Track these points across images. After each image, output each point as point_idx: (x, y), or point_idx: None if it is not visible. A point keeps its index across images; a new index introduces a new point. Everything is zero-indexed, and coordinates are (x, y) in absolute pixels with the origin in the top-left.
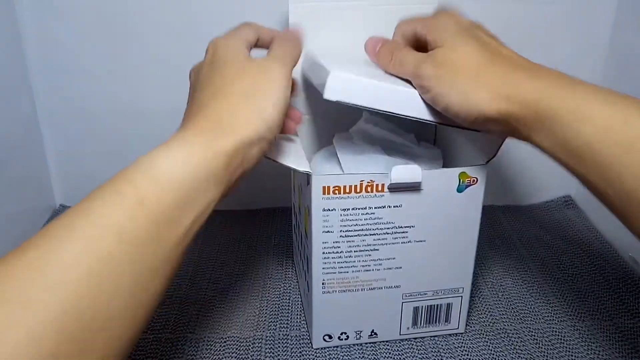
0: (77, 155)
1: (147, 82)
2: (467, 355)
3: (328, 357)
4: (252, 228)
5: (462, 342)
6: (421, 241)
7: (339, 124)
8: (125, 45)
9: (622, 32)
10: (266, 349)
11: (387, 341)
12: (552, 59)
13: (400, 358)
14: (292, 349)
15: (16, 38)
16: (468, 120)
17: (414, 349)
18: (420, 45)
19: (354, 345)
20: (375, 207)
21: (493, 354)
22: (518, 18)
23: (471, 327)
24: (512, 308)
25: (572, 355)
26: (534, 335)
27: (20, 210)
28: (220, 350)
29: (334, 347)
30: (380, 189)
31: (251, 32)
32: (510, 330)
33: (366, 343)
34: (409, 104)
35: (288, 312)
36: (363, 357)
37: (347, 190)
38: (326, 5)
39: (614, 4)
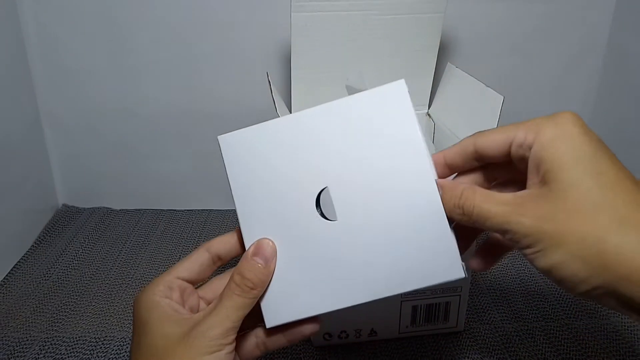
0: (80, 155)
1: (149, 83)
2: (466, 353)
3: (328, 355)
4: None
5: (461, 341)
6: None
7: None
8: (126, 46)
9: (620, 32)
10: None
11: (386, 340)
12: (552, 59)
13: (399, 356)
14: (292, 347)
15: (18, 39)
16: (579, 291)
17: (413, 347)
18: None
19: (353, 343)
20: None
21: (491, 352)
22: (518, 18)
23: (470, 325)
24: (510, 307)
25: (570, 354)
26: (532, 334)
27: (23, 210)
28: None
29: (333, 345)
30: None
31: (184, 271)
32: (509, 328)
33: (366, 342)
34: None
35: None
36: (363, 355)
37: None
38: (329, 15)
39: (613, 4)
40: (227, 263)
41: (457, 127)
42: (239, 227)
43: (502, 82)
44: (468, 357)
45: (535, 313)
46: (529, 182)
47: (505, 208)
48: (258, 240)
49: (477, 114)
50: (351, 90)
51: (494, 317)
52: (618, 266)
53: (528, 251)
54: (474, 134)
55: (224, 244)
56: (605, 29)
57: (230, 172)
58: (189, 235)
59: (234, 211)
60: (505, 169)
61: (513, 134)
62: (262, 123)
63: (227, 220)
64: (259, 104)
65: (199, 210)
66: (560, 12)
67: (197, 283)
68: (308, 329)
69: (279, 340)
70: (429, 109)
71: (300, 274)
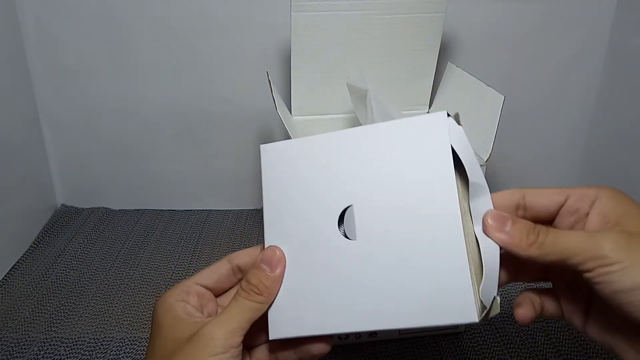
0: (79, 155)
1: (148, 83)
2: (467, 354)
3: (328, 356)
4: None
5: (462, 342)
6: None
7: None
8: (126, 46)
9: (620, 32)
10: None
11: (386, 340)
12: (552, 59)
13: (400, 357)
14: None
15: (17, 39)
16: None
17: (413, 348)
18: None
19: (354, 344)
20: None
21: (492, 353)
22: (518, 18)
23: (470, 326)
24: (511, 307)
25: (569, 354)
26: (532, 334)
27: (22, 210)
28: None
29: (334, 346)
30: None
31: (204, 278)
32: (509, 329)
33: (366, 342)
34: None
35: None
36: (363, 356)
37: None
38: (330, 15)
39: (613, 4)
40: None
41: None
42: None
43: (503, 82)
44: (468, 358)
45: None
46: (593, 227)
47: (582, 233)
48: (266, 248)
49: (478, 113)
50: (352, 90)
51: (494, 318)
52: None
53: (611, 269)
54: (521, 188)
55: (245, 256)
56: (605, 29)
57: (265, 181)
58: (189, 235)
59: (234, 211)
60: (547, 198)
61: (570, 191)
62: (303, 137)
63: (227, 221)
64: (258, 103)
65: (198, 210)
66: (560, 12)
67: (216, 291)
68: (317, 348)
69: (290, 355)
70: (429, 108)
71: (312, 291)
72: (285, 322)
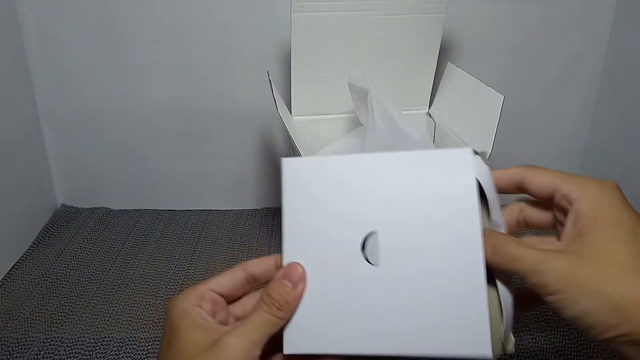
0: (79, 155)
1: (148, 83)
2: None
3: None
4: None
5: None
6: None
7: None
8: (126, 46)
9: (620, 32)
10: None
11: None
12: (552, 59)
13: (400, 357)
14: None
15: (17, 39)
16: (605, 337)
17: None
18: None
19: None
20: None
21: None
22: (518, 18)
23: None
24: None
25: (569, 354)
26: (532, 334)
27: (22, 210)
28: None
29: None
30: None
31: (218, 285)
32: None
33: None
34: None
35: None
36: (363, 356)
37: None
38: (330, 15)
39: (613, 4)
40: (261, 285)
41: (457, 126)
42: (281, 253)
43: (503, 82)
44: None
45: (536, 313)
46: (565, 233)
47: (536, 253)
48: (288, 264)
49: (477, 113)
50: (353, 89)
51: None
52: None
53: (556, 297)
54: (524, 167)
55: (260, 265)
56: (605, 29)
57: (286, 195)
58: (189, 235)
59: (234, 211)
60: (542, 210)
61: (560, 183)
62: (327, 156)
63: (227, 221)
64: (258, 104)
65: (198, 210)
66: (560, 12)
67: (229, 299)
68: None
69: None
70: (429, 108)
71: (329, 310)
72: (301, 338)
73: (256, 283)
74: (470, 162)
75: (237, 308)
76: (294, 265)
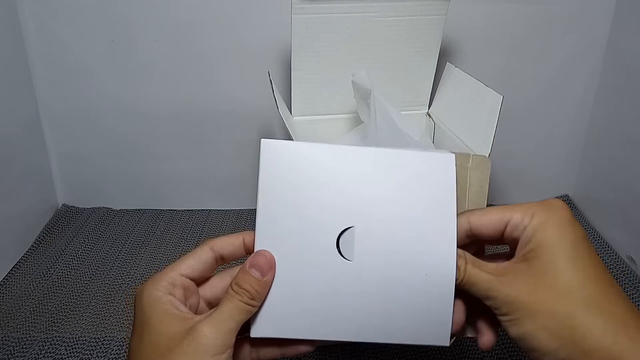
0: (79, 155)
1: (149, 82)
2: (467, 354)
3: (328, 355)
4: None
5: (463, 342)
6: None
7: None
8: (126, 45)
9: (620, 32)
10: None
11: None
12: (552, 59)
13: (400, 357)
14: None
15: (18, 39)
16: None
17: (414, 348)
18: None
19: (354, 343)
20: None
21: (492, 353)
22: (518, 18)
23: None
24: None
25: None
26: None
27: (23, 210)
28: None
29: (333, 346)
30: None
31: (189, 269)
32: None
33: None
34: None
35: None
36: (363, 356)
37: None
38: (330, 17)
39: (613, 4)
40: (228, 263)
41: (457, 127)
42: (251, 233)
43: (502, 82)
44: (468, 358)
45: None
46: (515, 257)
47: (490, 276)
48: (256, 253)
49: (476, 113)
50: (357, 88)
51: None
52: (584, 342)
53: (504, 318)
54: (465, 212)
55: (229, 245)
56: (605, 29)
57: (262, 178)
58: (189, 235)
59: (234, 211)
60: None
61: (509, 216)
62: (309, 142)
63: (227, 221)
64: (259, 104)
65: (198, 210)
66: (560, 12)
67: (198, 281)
68: (303, 348)
69: (274, 352)
70: (428, 109)
71: (299, 297)
72: (268, 322)
73: (224, 262)
74: (453, 168)
75: (207, 290)
76: (262, 254)
